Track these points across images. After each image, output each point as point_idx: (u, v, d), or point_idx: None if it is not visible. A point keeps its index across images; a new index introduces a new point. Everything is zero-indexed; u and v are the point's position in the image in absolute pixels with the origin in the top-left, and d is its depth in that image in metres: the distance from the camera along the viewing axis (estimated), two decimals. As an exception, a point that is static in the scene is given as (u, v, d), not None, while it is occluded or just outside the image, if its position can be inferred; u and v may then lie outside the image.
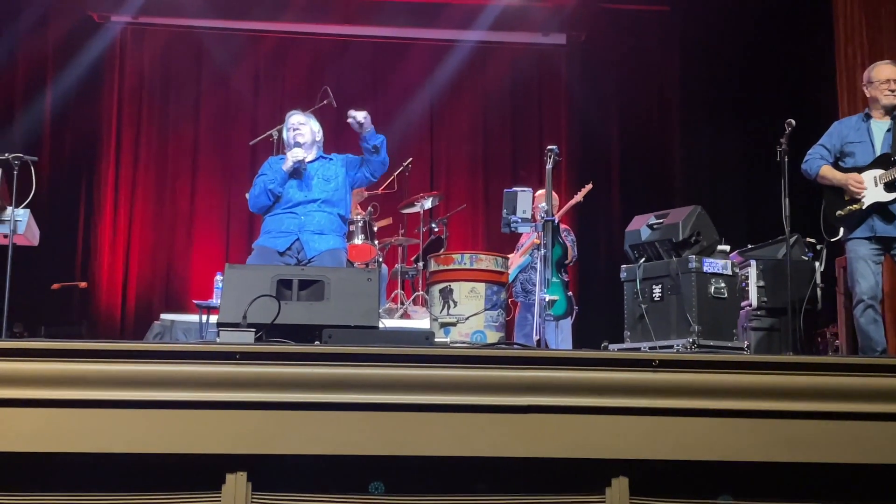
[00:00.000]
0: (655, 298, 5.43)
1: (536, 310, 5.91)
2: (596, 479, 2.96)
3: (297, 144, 5.34)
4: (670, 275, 5.36)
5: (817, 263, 6.20)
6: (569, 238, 7.32)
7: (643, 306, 5.44)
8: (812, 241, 6.39)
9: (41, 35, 9.86)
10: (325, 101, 7.03)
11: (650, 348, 5.17)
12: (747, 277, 6.15)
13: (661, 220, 5.59)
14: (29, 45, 9.81)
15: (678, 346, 5.13)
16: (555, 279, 5.91)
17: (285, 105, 9.77)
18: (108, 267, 9.87)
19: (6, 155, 5.56)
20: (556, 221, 6.08)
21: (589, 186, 7.85)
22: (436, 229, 8.68)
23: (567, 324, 7.11)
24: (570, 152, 10.02)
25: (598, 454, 2.95)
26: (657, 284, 5.43)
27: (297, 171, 5.25)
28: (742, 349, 5.34)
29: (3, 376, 2.79)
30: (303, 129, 5.39)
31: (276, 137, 6.92)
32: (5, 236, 5.05)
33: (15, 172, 5.44)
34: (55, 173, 9.58)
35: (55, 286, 8.88)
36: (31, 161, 5.60)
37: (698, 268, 5.26)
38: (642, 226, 5.68)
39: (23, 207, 5.20)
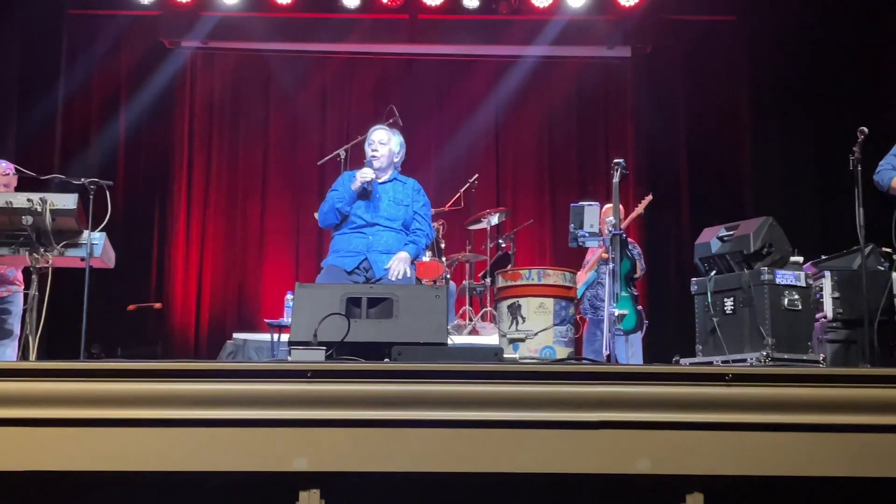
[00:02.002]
0: (727, 311, 5.35)
1: (606, 324, 5.86)
2: (670, 495, 2.92)
3: (371, 164, 5.35)
4: (742, 287, 5.28)
5: (894, 273, 6.05)
6: (635, 252, 7.26)
7: (715, 320, 5.37)
8: (888, 250, 6.23)
9: (114, 61, 10.12)
10: (391, 120, 7.07)
11: (723, 362, 5.10)
12: (822, 289, 6.03)
13: (731, 232, 5.52)
14: (103, 71, 10.07)
15: (752, 359, 5.05)
16: (624, 293, 5.85)
17: (352, 124, 9.92)
18: (182, 287, 10.04)
19: (82, 180, 5.70)
20: (624, 235, 6.03)
21: (649, 198, 7.78)
22: (503, 245, 8.68)
23: (637, 338, 7.04)
24: (637, 165, 9.94)
25: (673, 470, 2.91)
26: (729, 297, 5.36)
27: (366, 192, 5.26)
28: (817, 362, 5.24)
29: (82, 397, 2.85)
30: (381, 149, 5.39)
31: (343, 157, 6.98)
32: (82, 259, 5.15)
33: (91, 197, 5.57)
34: (129, 196, 9.78)
35: (131, 307, 9.06)
36: (107, 185, 5.74)
37: (771, 280, 5.18)
38: (712, 238, 5.62)
39: (99, 231, 5.30)
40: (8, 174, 6.06)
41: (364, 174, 5.24)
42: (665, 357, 5.84)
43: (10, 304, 6.03)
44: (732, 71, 10.04)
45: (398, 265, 5.10)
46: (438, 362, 3.17)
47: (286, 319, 6.89)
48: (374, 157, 5.36)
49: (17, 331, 6.07)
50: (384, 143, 5.40)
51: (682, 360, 5.38)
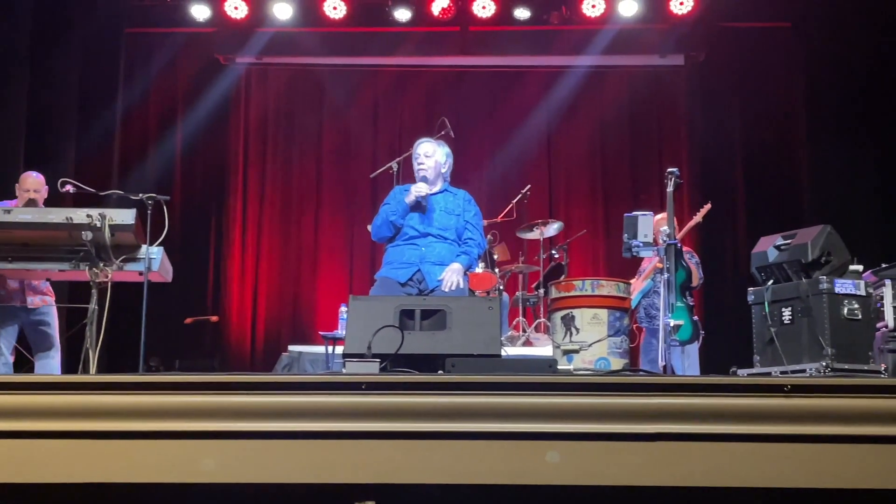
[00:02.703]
0: (785, 321, 5.27)
1: (661, 335, 5.81)
2: (728, 508, 2.88)
3: (424, 178, 5.37)
4: (800, 297, 5.19)
5: (957, 281, 5.92)
6: (693, 261, 7.19)
7: (773, 330, 5.29)
8: (950, 257, 6.10)
9: (171, 78, 10.30)
10: (443, 132, 7.10)
11: (781, 373, 5.02)
12: (882, 297, 5.91)
13: (788, 241, 5.44)
14: (159, 88, 10.26)
15: (811, 370, 4.97)
16: (679, 303, 5.79)
17: (404, 137, 9.97)
18: (238, 301, 10.15)
19: (140, 195, 5.80)
20: (679, 245, 5.97)
21: (708, 206, 7.69)
22: (556, 256, 8.65)
23: (693, 349, 6.96)
24: (691, 174, 9.85)
25: (731, 482, 2.87)
26: (787, 307, 5.27)
27: (419, 205, 5.28)
28: (879, 372, 5.13)
29: (142, 409, 2.89)
30: (427, 162, 5.40)
31: (395, 169, 7.01)
32: (140, 274, 5.23)
33: (149, 212, 5.67)
34: (186, 211, 9.92)
35: (188, 321, 9.18)
36: (164, 200, 5.83)
37: (830, 289, 5.09)
38: (769, 247, 5.54)
39: (156, 245, 5.38)
40: (39, 187, 6.19)
41: (419, 188, 5.25)
42: (722, 368, 5.77)
43: (46, 314, 6.17)
44: (788, 78, 9.91)
45: (451, 276, 5.11)
46: (492, 374, 3.16)
47: (340, 332, 6.93)
48: (421, 170, 5.38)
49: (57, 343, 6.20)
50: (430, 155, 5.41)
51: (740, 371, 5.30)
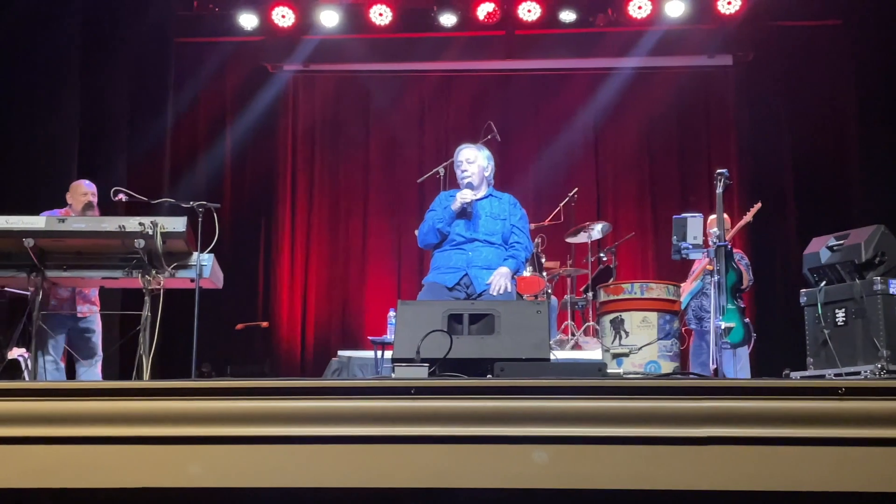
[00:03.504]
0: (839, 323, 5.20)
1: (712, 338, 5.76)
2: (782, 512, 2.85)
3: (469, 185, 5.37)
4: (854, 298, 5.13)
5: None
6: (742, 262, 7.12)
7: (826, 331, 5.22)
8: None
9: (219, 86, 10.43)
10: (489, 136, 7.11)
11: (835, 375, 4.96)
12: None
13: (841, 242, 5.38)
14: (208, 96, 10.39)
15: (866, 372, 4.90)
16: (730, 305, 5.74)
17: (450, 141, 9.97)
18: (288, 306, 10.24)
19: (191, 203, 5.88)
20: (729, 246, 5.92)
21: (758, 205, 7.60)
22: (604, 259, 8.61)
23: (744, 352, 6.89)
24: (740, 175, 9.76)
25: (784, 486, 2.83)
26: (840, 308, 5.21)
27: (465, 211, 5.28)
28: (936, 374, 5.05)
29: (194, 415, 2.92)
30: (470, 168, 5.38)
31: (442, 174, 7.03)
32: (192, 281, 5.29)
33: (199, 219, 5.73)
34: (235, 217, 10.03)
35: (239, 326, 9.27)
36: (214, 208, 5.90)
37: (884, 289, 5.02)
38: (821, 248, 5.48)
39: (207, 252, 5.43)
40: (88, 193, 6.28)
41: (464, 195, 5.24)
42: (774, 371, 5.72)
43: (92, 323, 6.26)
44: (838, 76, 9.76)
45: (499, 280, 5.10)
46: (541, 378, 3.16)
47: (389, 337, 6.96)
48: (465, 177, 5.37)
49: (100, 351, 6.29)
50: (472, 161, 5.39)
51: (793, 374, 5.24)
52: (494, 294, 5.05)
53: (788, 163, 9.91)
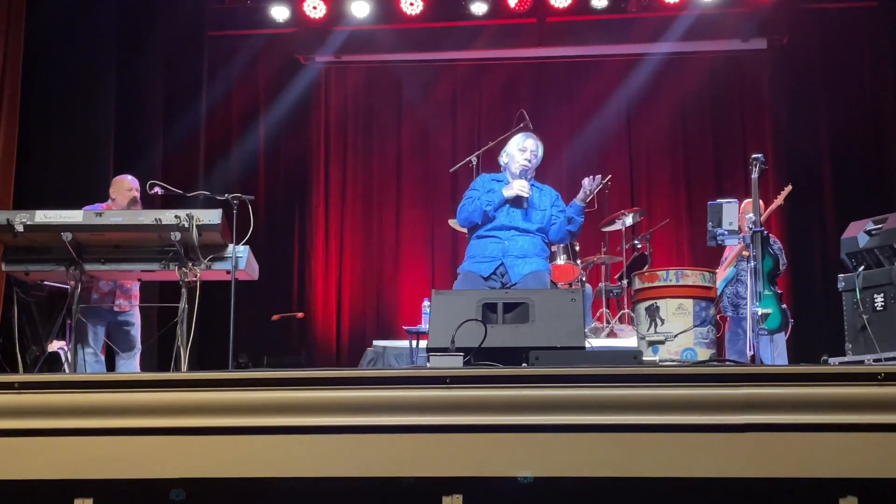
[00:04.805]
0: (878, 308, 5.14)
1: (749, 324, 5.72)
2: (822, 499, 2.82)
3: (524, 173, 5.34)
4: (893, 283, 5.06)
5: None
6: (775, 246, 7.06)
7: (865, 317, 5.17)
8: None
9: (252, 78, 10.49)
10: (521, 124, 7.08)
11: (875, 361, 4.91)
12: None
13: (879, 226, 5.31)
14: (241, 88, 10.45)
15: (905, 357, 4.84)
16: (767, 292, 5.68)
17: (483, 130, 9.98)
18: (323, 297, 10.29)
19: (226, 195, 5.92)
20: (766, 232, 5.86)
21: (789, 188, 7.51)
22: (639, 246, 8.57)
23: (781, 338, 6.83)
24: (776, 160, 9.67)
25: (824, 473, 2.81)
26: (879, 293, 5.15)
27: (517, 200, 5.27)
28: (978, 359, 4.98)
29: (232, 406, 2.95)
30: (534, 160, 5.42)
31: (475, 163, 7.02)
32: (228, 272, 5.32)
33: (234, 211, 5.77)
34: (270, 209, 10.09)
35: (275, 317, 9.33)
36: (249, 200, 5.93)
37: (924, 274, 4.96)
38: (859, 232, 5.41)
39: (243, 244, 5.47)
40: (133, 189, 6.33)
41: (523, 187, 5.23)
42: (812, 357, 5.67)
43: (131, 316, 6.31)
44: (874, 58, 9.63)
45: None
46: (576, 366, 3.15)
47: (424, 326, 6.97)
48: (524, 165, 5.35)
49: (139, 344, 6.34)
50: (535, 151, 5.41)
51: (832, 360, 5.19)
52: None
53: (825, 147, 9.80)
